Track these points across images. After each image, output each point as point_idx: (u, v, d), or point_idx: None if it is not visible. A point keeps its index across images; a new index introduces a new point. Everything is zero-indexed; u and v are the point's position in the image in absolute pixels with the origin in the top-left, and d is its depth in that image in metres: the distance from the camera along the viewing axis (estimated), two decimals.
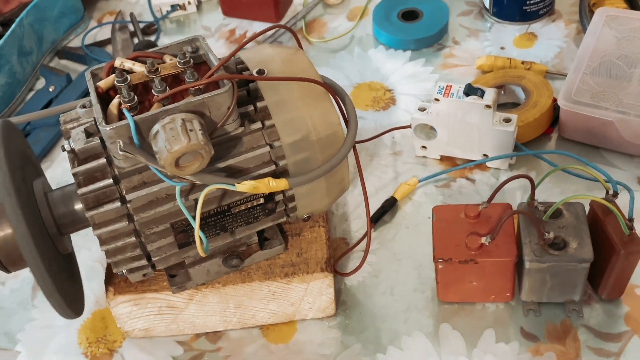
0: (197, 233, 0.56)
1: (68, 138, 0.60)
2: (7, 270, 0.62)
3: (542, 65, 0.88)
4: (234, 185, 0.56)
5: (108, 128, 0.53)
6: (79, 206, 0.61)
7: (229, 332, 0.70)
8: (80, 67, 1.01)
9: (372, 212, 0.78)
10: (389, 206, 0.78)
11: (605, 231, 0.63)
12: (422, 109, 0.79)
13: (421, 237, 0.75)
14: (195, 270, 0.64)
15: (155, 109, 0.55)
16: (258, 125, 0.59)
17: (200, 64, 0.61)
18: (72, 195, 0.61)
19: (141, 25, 1.05)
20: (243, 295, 0.67)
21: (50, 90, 0.95)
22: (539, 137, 0.82)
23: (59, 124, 0.90)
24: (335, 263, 0.72)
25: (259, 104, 0.59)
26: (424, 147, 0.82)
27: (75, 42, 1.05)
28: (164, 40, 1.03)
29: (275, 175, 0.60)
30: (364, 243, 0.75)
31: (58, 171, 0.88)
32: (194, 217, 0.58)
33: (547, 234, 0.63)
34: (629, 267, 0.64)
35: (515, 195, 0.77)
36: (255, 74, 0.60)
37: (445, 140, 0.80)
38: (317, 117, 0.60)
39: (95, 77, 0.60)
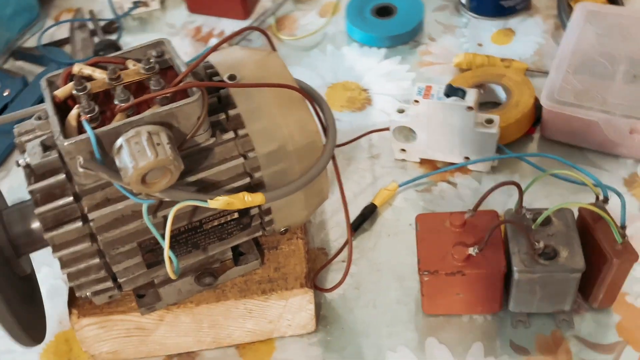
0: (167, 254, 0.52)
1: (23, 152, 0.55)
2: None
3: (521, 63, 0.85)
4: (207, 201, 0.52)
5: (66, 143, 0.48)
6: (36, 225, 0.56)
7: (204, 353, 0.66)
8: (37, 69, 0.96)
9: (351, 220, 0.74)
10: (369, 213, 0.74)
11: (596, 239, 0.61)
12: (401, 111, 0.76)
13: (402, 246, 0.72)
14: (165, 290, 0.60)
15: (118, 121, 0.51)
16: (230, 135, 0.55)
17: (166, 69, 0.57)
18: (29, 213, 0.57)
19: (101, 24, 0.99)
20: (218, 314, 0.62)
21: (5, 94, 0.89)
22: (521, 137, 0.79)
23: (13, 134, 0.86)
24: (315, 276, 0.68)
25: (231, 112, 0.55)
26: (403, 150, 0.78)
27: (31, 42, 0.99)
28: (126, 39, 0.98)
29: (250, 187, 0.56)
30: (343, 253, 0.71)
31: (15, 182, 0.82)
32: (162, 236, 0.53)
33: (537, 244, 0.60)
34: (621, 276, 0.62)
35: (497, 199, 0.74)
36: (227, 80, 0.56)
37: (425, 142, 0.76)
38: (293, 125, 0.56)
39: (52, 84, 0.55)
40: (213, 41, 0.92)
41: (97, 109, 0.51)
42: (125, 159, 0.48)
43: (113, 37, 0.98)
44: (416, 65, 0.90)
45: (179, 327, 0.63)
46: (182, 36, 0.98)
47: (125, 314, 0.61)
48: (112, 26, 1.00)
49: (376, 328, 0.66)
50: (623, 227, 0.60)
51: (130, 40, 0.98)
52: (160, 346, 0.65)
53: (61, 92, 0.53)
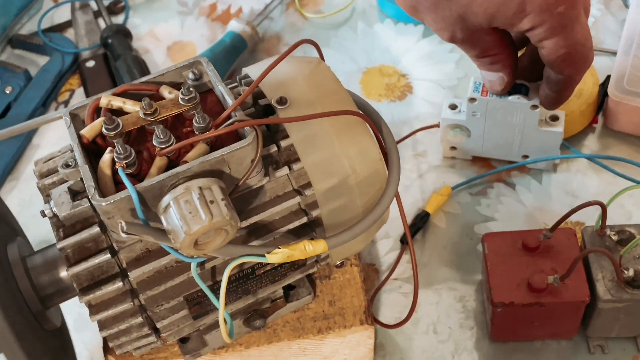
0: (222, 317, 0.46)
1: (47, 196, 0.48)
2: None
3: None
4: (264, 256, 0.45)
5: (104, 204, 0.41)
6: (65, 273, 0.50)
7: None
8: (38, 58, 0.87)
9: (402, 229, 0.68)
10: (422, 223, 0.68)
11: None
12: (453, 107, 0.68)
13: (461, 260, 0.66)
14: (211, 335, 0.54)
15: (158, 165, 0.44)
16: (285, 171, 0.47)
17: (205, 92, 0.49)
18: (56, 260, 0.50)
19: (105, 3, 0.90)
20: (269, 355, 0.57)
21: (7, 92, 0.81)
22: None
23: (23, 136, 0.78)
24: (371, 301, 0.62)
25: (283, 143, 0.48)
26: (453, 148, 0.71)
27: (28, 27, 0.90)
28: (134, 21, 0.89)
29: (307, 226, 0.49)
30: (398, 270, 0.65)
31: (27, 193, 0.75)
32: (212, 290, 0.47)
33: (626, 272, 0.54)
34: None
35: (563, 200, 0.68)
36: (275, 104, 0.49)
37: (480, 140, 0.69)
38: (354, 154, 0.48)
39: (76, 118, 0.47)
40: (232, 24, 0.83)
41: (133, 153, 0.44)
42: (174, 222, 0.41)
43: (119, 19, 0.89)
44: None
45: None
46: (197, 15, 0.89)
47: None
48: (117, 5, 0.91)
49: (440, 357, 0.60)
50: None
51: (138, 22, 0.89)
52: None
53: (88, 131, 0.46)
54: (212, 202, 0.41)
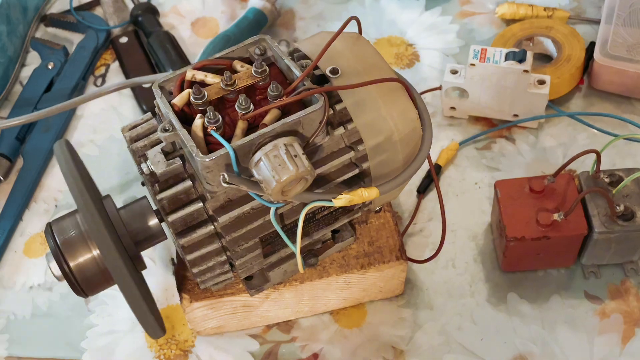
0: (299, 256, 0.55)
1: (140, 157, 0.56)
2: (86, 295, 0.60)
3: (564, 12, 0.87)
4: (331, 200, 0.54)
5: (207, 160, 0.50)
6: (153, 222, 0.59)
7: (300, 320, 0.70)
8: (71, 36, 0.94)
9: (418, 181, 0.78)
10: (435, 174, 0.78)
11: None
12: (454, 72, 0.78)
13: (471, 205, 0.76)
14: (273, 272, 0.63)
15: (240, 127, 0.53)
16: (341, 130, 0.57)
17: (269, 65, 0.58)
18: (145, 211, 0.59)
19: None
20: (318, 288, 0.67)
21: (50, 67, 0.88)
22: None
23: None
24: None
25: (338, 107, 0.57)
26: (452, 107, 0.81)
27: (57, 6, 0.97)
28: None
29: (357, 177, 0.59)
30: (417, 216, 0.75)
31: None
32: (284, 232, 0.56)
33: (618, 207, 0.64)
34: None
35: (556, 151, 0.79)
36: (329, 74, 0.58)
37: (476, 101, 0.79)
38: (397, 115, 0.58)
39: (163, 90, 0.56)
40: (253, 0, 0.91)
41: (220, 118, 0.53)
42: (266, 173, 0.50)
43: None
44: (458, 16, 0.91)
45: (282, 302, 0.67)
46: None
47: (235, 296, 0.65)
48: None
49: (459, 287, 0.71)
50: None
51: (162, 1, 0.96)
52: (261, 318, 0.69)
53: (178, 100, 0.54)
54: (295, 156, 0.50)
